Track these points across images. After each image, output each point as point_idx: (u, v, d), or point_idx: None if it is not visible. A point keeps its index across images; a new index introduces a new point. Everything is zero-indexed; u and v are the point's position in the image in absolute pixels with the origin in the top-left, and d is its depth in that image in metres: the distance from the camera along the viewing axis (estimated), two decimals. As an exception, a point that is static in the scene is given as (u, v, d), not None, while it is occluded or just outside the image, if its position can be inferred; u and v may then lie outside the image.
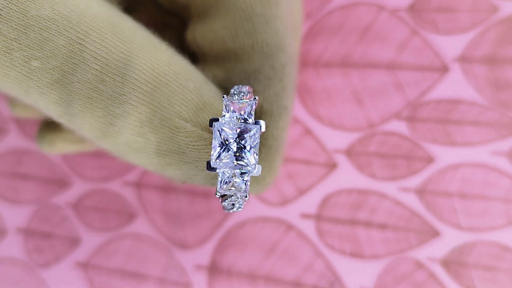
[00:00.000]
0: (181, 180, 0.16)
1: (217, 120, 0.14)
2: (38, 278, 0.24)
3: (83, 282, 0.23)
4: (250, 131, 0.14)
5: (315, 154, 0.21)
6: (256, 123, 0.14)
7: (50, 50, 0.13)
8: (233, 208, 0.15)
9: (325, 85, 0.21)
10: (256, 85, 0.16)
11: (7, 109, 0.26)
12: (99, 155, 0.24)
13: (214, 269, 0.22)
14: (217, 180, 0.14)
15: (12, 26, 0.13)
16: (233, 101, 0.14)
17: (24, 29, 0.13)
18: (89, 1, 0.14)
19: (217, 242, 0.22)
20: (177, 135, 0.14)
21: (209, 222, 0.22)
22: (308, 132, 0.21)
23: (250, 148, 0.14)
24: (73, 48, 0.13)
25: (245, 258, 0.21)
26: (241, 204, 0.15)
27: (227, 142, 0.14)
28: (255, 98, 0.14)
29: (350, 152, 0.21)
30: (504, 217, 0.19)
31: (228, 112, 0.14)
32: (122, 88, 0.14)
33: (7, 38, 0.13)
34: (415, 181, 0.20)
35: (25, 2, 0.13)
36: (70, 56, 0.13)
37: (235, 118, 0.14)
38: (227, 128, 0.14)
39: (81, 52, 0.13)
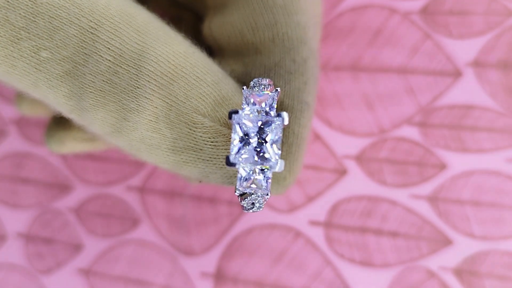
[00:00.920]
0: (198, 179, 0.16)
1: (237, 112, 0.13)
2: (38, 285, 0.23)
3: (85, 289, 0.23)
4: (272, 124, 0.13)
5: (325, 160, 0.20)
6: (278, 115, 0.13)
7: (60, 39, 0.12)
8: (253, 207, 0.14)
9: (335, 89, 0.21)
10: (276, 80, 0.15)
11: (6, 111, 0.25)
12: (102, 158, 0.23)
13: (220, 277, 0.21)
14: (237, 177, 0.14)
15: (20, 13, 0.12)
16: (254, 93, 0.13)
17: (33, 17, 0.12)
18: None
19: (223, 249, 0.21)
20: (195, 131, 0.14)
21: (215, 228, 0.21)
22: (317, 137, 0.21)
23: (272, 142, 0.13)
24: (85, 37, 0.13)
25: (252, 265, 0.21)
26: (261, 204, 0.14)
27: (247, 136, 0.13)
28: (276, 89, 0.13)
29: (360, 158, 0.20)
30: (518, 226, 0.19)
31: (248, 105, 0.13)
32: (137, 81, 0.13)
33: (14, 26, 0.12)
34: (427, 188, 0.19)
35: None
36: (82, 46, 0.13)
37: (255, 110, 0.13)
38: (247, 121, 0.13)
39: (93, 42, 0.13)
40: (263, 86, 0.14)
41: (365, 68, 0.20)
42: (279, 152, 0.13)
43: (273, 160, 0.13)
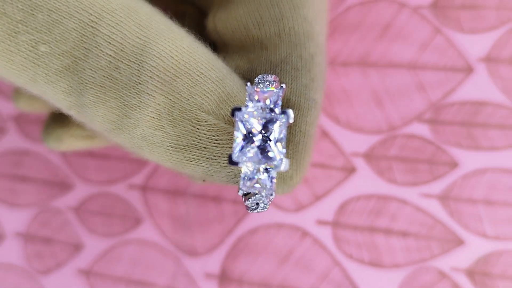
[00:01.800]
0: (202, 178, 0.15)
1: (240, 109, 0.13)
2: (37, 285, 0.23)
3: (85, 290, 0.22)
4: (276, 121, 0.13)
5: (333, 158, 0.20)
6: (283, 113, 0.13)
7: (59, 33, 0.12)
8: (257, 208, 0.14)
9: (343, 85, 0.20)
10: (283, 76, 0.15)
11: (5, 108, 0.24)
12: (103, 156, 0.23)
13: (224, 278, 0.21)
14: (240, 177, 0.13)
15: (18, 6, 0.12)
16: (258, 90, 0.13)
17: (31, 10, 0.12)
18: None
19: (228, 249, 0.21)
20: (198, 129, 0.13)
21: (220, 227, 0.21)
22: (325, 134, 0.20)
23: (277, 140, 0.13)
24: (84, 31, 0.12)
25: (257, 266, 0.20)
26: (266, 204, 0.13)
27: (250, 134, 0.13)
28: (282, 86, 0.13)
29: (369, 156, 0.20)
30: (532, 226, 0.18)
31: (252, 102, 0.13)
32: (139, 77, 0.13)
33: (12, 20, 0.12)
34: (438, 187, 0.19)
35: None
36: (82, 40, 0.12)
37: (259, 107, 0.13)
38: (251, 118, 0.13)
39: (94, 36, 0.12)
40: (268, 83, 0.13)
41: (374, 63, 0.20)
42: (284, 150, 0.13)
43: (277, 159, 0.13)
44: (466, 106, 0.19)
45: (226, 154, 0.14)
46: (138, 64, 0.13)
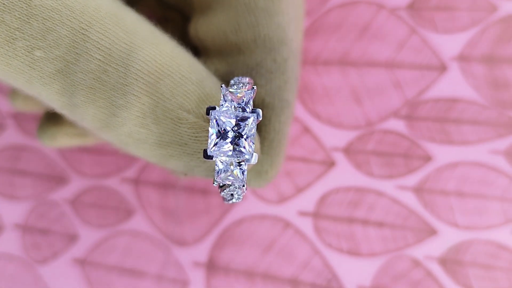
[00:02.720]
0: (183, 172, 0.16)
1: (214, 108, 0.14)
2: (35, 275, 0.24)
3: (80, 279, 0.23)
4: (247, 119, 0.14)
5: (313, 152, 0.21)
6: (253, 112, 0.14)
7: (53, 40, 0.13)
8: (232, 198, 0.15)
9: (324, 83, 0.21)
10: (258, 79, 0.16)
11: (4, 105, 0.25)
12: (97, 151, 0.24)
13: (211, 266, 0.22)
14: (214, 169, 0.14)
15: (15, 15, 0.13)
16: (231, 91, 0.14)
17: (27, 18, 0.13)
18: None
19: (215, 239, 0.22)
20: (180, 127, 0.14)
21: (207, 219, 0.22)
22: (306, 130, 0.21)
23: (247, 136, 0.14)
24: (76, 38, 0.13)
25: (242, 255, 0.21)
26: (239, 195, 0.15)
27: (224, 131, 0.14)
28: (253, 88, 0.14)
29: (348, 150, 0.21)
30: (501, 216, 0.19)
31: (226, 102, 0.14)
32: (125, 79, 0.14)
33: (10, 27, 0.13)
34: (412, 179, 0.20)
35: None
36: (73, 46, 0.13)
37: (233, 107, 0.14)
38: (224, 116, 0.14)
39: (84, 42, 0.13)
40: (241, 84, 0.14)
41: (353, 62, 0.21)
42: (253, 146, 0.14)
43: (248, 153, 0.14)
44: (439, 103, 0.20)
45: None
46: (125, 68, 0.14)
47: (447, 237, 0.19)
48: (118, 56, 0.14)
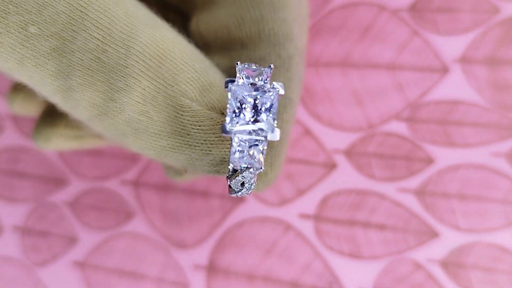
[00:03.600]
0: (183, 168, 0.15)
1: (233, 81, 0.13)
2: (34, 277, 0.24)
3: (80, 281, 0.23)
4: (267, 92, 0.13)
5: (315, 154, 0.21)
6: (273, 87, 0.13)
7: (49, 15, 0.13)
8: (242, 189, 0.14)
9: (325, 85, 0.21)
10: None
11: (3, 106, 0.25)
12: (97, 153, 0.24)
13: (212, 269, 0.22)
14: (230, 149, 0.13)
15: None
16: (248, 67, 0.13)
17: None
18: None
19: (215, 241, 0.22)
20: (182, 115, 0.14)
21: (208, 221, 0.22)
22: (307, 132, 0.21)
23: (268, 111, 0.13)
24: (73, 15, 0.13)
25: (243, 258, 0.21)
26: (251, 184, 0.13)
27: (243, 105, 0.13)
28: (270, 66, 0.13)
29: (349, 153, 0.21)
30: (503, 219, 0.19)
31: (242, 79, 0.13)
32: (126, 60, 0.13)
33: (3, 0, 0.12)
34: (414, 182, 0.20)
35: None
36: (70, 23, 0.13)
37: (250, 83, 0.13)
38: (244, 89, 0.13)
39: (82, 20, 0.13)
40: (253, 65, 0.14)
41: (354, 64, 0.21)
42: (275, 122, 0.13)
43: (268, 129, 0.13)
44: (441, 105, 0.20)
45: (209, 140, 0.14)
46: (125, 49, 0.13)
47: (449, 240, 0.19)
48: (118, 36, 0.13)
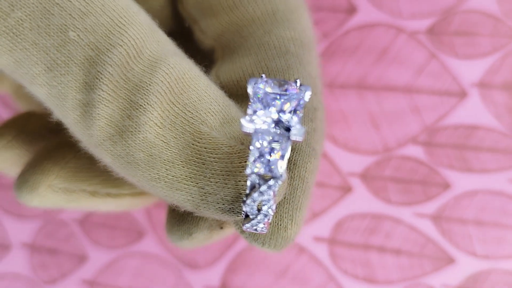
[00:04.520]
0: (193, 206, 0.14)
1: (256, 80, 0.13)
2: (43, 295, 0.23)
3: (89, 300, 0.23)
4: (293, 93, 0.12)
5: (330, 177, 0.21)
6: (299, 88, 0.12)
7: (90, 24, 0.13)
8: (257, 217, 0.13)
9: (340, 106, 0.21)
10: None
11: (6, 115, 0.25)
12: (107, 170, 0.23)
13: (224, 291, 0.21)
14: (248, 160, 0.12)
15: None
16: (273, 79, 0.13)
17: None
18: (133, 4, 0.14)
19: (227, 263, 0.21)
20: (199, 142, 0.13)
21: (220, 242, 0.22)
22: (322, 154, 0.21)
23: (293, 113, 0.12)
24: (113, 29, 0.13)
25: (255, 280, 0.21)
26: (269, 208, 0.12)
27: (267, 103, 0.12)
28: (296, 80, 0.13)
29: (365, 176, 0.20)
30: (520, 246, 0.19)
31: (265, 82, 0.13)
32: (150, 79, 0.13)
33: (49, 1, 0.13)
34: (430, 207, 0.20)
35: None
36: (108, 36, 0.13)
37: (276, 83, 0.13)
38: (270, 86, 0.12)
39: (120, 35, 0.13)
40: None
41: (371, 86, 0.21)
42: (300, 125, 0.12)
43: (294, 125, 0.12)
44: (459, 130, 0.20)
45: (225, 170, 0.14)
46: (152, 69, 0.13)
47: (465, 266, 0.19)
48: (147, 58, 0.13)
